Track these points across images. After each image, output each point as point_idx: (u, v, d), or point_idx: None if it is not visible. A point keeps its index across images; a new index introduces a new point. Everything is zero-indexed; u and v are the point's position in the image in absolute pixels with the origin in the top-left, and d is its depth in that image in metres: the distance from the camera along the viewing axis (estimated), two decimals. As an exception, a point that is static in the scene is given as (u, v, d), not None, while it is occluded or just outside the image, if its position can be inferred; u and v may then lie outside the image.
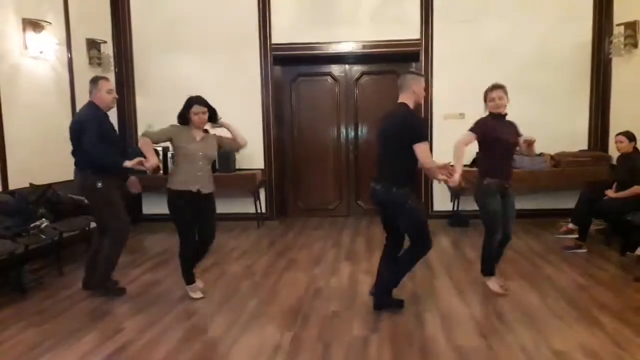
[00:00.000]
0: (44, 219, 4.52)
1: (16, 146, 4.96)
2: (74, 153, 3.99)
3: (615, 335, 3.14)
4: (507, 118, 3.91)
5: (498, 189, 3.84)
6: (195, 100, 3.83)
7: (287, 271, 4.71)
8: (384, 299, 3.64)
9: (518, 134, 3.92)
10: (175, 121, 3.89)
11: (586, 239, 5.16)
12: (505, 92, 3.81)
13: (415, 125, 3.48)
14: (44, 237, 4.44)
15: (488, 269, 3.98)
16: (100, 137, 3.83)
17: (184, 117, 3.85)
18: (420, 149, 3.36)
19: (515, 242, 5.56)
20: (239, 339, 3.23)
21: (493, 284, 3.94)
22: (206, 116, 3.85)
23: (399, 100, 3.54)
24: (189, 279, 4.00)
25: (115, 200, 3.99)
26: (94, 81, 4.03)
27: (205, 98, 3.88)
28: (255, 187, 6.76)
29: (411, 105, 3.52)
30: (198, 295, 3.97)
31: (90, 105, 3.99)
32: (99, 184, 3.88)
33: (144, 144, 3.79)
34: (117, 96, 4.15)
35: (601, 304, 3.67)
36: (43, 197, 4.86)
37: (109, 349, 3.12)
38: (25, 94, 5.17)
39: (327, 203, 7.39)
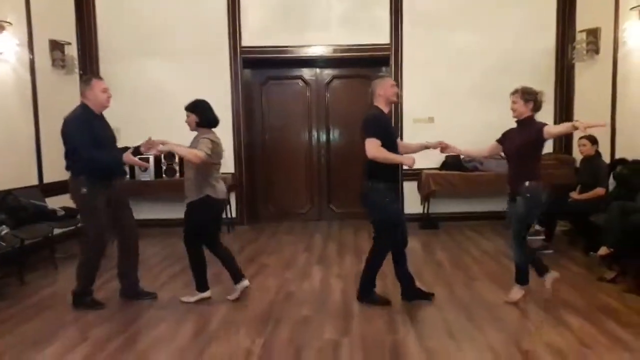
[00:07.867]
0: (4, 226, 4.40)
1: (-26, 150, 4.79)
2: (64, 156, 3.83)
3: (581, 334, 3.20)
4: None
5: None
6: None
7: (258, 276, 4.65)
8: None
9: (524, 136, 3.62)
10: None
11: (552, 240, 5.28)
12: (519, 97, 3.62)
13: (368, 121, 3.67)
14: (4, 244, 4.31)
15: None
16: (93, 139, 3.71)
17: (213, 120, 3.87)
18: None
19: (484, 243, 5.68)
20: (208, 346, 3.17)
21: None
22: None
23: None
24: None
25: (98, 207, 3.80)
26: (86, 81, 3.92)
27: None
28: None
29: (384, 106, 3.71)
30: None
31: (80, 106, 3.86)
32: (84, 189, 3.74)
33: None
34: (111, 95, 3.97)
35: (567, 303, 3.75)
36: (3, 203, 4.70)
37: None
38: (-16, 96, 4.99)
39: (299, 207, 7.37)
